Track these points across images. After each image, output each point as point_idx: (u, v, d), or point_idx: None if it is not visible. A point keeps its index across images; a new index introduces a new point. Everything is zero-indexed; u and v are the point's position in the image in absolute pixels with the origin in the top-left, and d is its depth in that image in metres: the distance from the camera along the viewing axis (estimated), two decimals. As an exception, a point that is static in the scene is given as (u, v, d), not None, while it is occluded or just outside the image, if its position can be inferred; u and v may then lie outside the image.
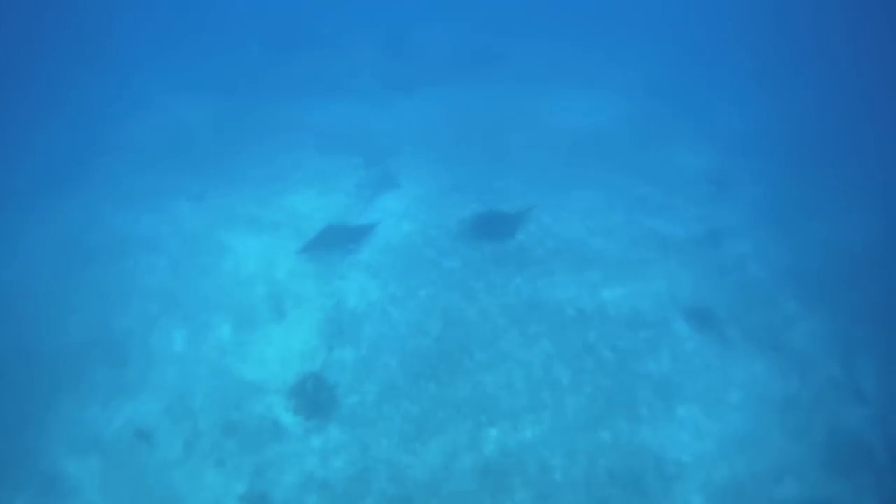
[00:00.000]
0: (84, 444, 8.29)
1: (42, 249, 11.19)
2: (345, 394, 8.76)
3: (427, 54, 19.23)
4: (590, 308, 10.13)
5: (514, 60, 19.16)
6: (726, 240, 12.17)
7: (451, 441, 8.31)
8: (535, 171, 13.56)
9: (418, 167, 13.49)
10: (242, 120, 15.45)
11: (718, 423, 8.88)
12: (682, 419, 8.86)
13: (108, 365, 9.11)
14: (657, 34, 21.11)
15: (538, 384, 8.99)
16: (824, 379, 9.75)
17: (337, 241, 10.85)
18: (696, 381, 9.31)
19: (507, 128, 15.36)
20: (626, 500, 7.94)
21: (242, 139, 14.45)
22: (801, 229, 12.70)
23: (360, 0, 22.65)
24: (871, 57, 18.68)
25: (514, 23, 21.87)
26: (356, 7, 22.40)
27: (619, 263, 11.10)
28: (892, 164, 14.59)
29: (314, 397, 8.72)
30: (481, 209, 11.74)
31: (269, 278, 10.38)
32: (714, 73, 18.98)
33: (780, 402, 9.31)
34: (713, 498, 8.10)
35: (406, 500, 7.76)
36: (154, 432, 8.37)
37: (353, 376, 8.95)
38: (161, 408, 8.63)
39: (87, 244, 11.26)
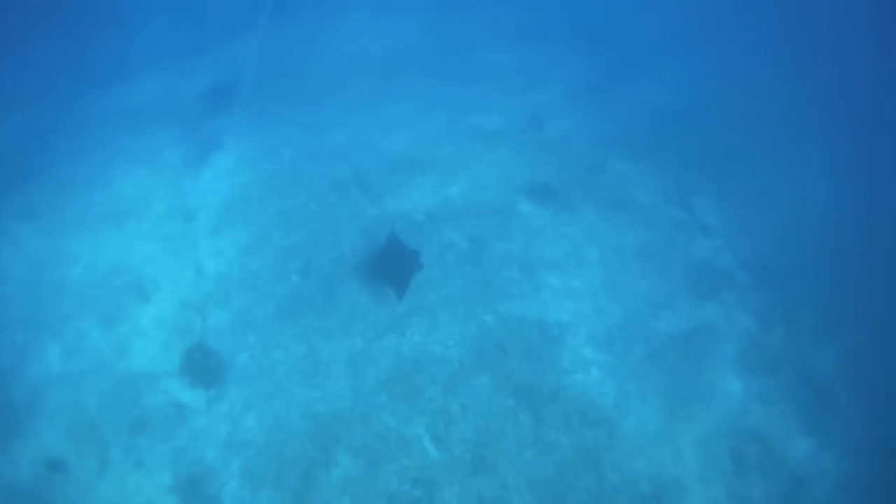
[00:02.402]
0: (1, 499, 8.02)
1: None
2: (232, 353, 8.37)
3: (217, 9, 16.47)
4: (436, 209, 10.07)
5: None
6: (546, 122, 12.61)
7: (348, 364, 8.10)
8: (351, 99, 13.03)
9: (239, 120, 12.51)
10: (43, 122, 13.24)
11: (585, 281, 9.18)
12: (552, 285, 9.07)
13: (-6, 411, 8.65)
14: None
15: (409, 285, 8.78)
16: (669, 222, 10.38)
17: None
18: (554, 249, 9.56)
19: (320, 66, 14.44)
20: (524, 369, 8.04)
21: (52, 142, 12.54)
22: (612, 100, 13.37)
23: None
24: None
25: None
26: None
27: (452, 163, 11.19)
28: (676, 31, 15.59)
29: (205, 367, 8.31)
30: (309, 144, 11.49)
31: (123, 268, 9.53)
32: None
33: (636, 250, 9.79)
34: (602, 345, 8.39)
35: (326, 432, 7.69)
36: (64, 458, 8.02)
37: (234, 335, 8.52)
38: (62, 432, 8.19)
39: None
